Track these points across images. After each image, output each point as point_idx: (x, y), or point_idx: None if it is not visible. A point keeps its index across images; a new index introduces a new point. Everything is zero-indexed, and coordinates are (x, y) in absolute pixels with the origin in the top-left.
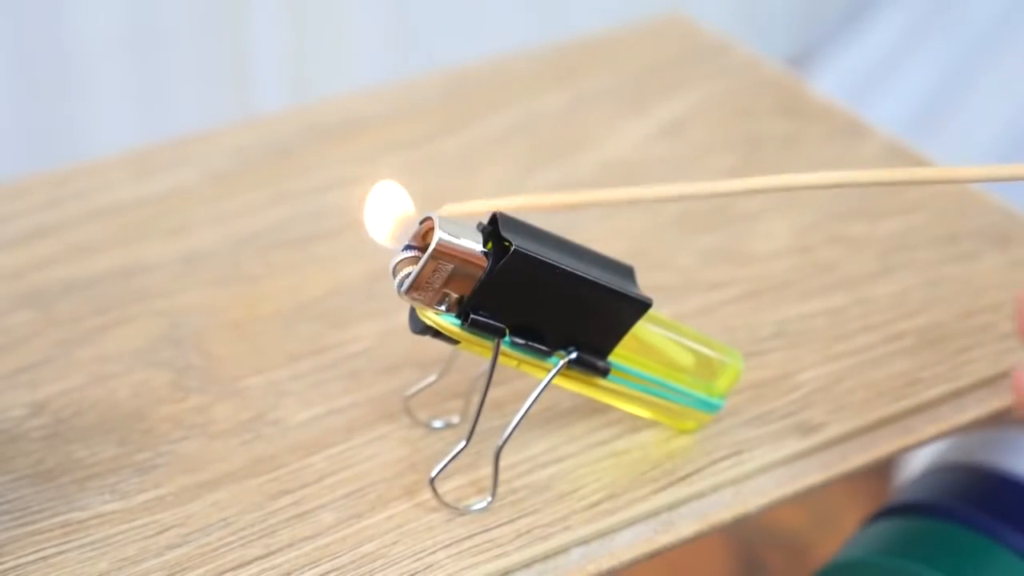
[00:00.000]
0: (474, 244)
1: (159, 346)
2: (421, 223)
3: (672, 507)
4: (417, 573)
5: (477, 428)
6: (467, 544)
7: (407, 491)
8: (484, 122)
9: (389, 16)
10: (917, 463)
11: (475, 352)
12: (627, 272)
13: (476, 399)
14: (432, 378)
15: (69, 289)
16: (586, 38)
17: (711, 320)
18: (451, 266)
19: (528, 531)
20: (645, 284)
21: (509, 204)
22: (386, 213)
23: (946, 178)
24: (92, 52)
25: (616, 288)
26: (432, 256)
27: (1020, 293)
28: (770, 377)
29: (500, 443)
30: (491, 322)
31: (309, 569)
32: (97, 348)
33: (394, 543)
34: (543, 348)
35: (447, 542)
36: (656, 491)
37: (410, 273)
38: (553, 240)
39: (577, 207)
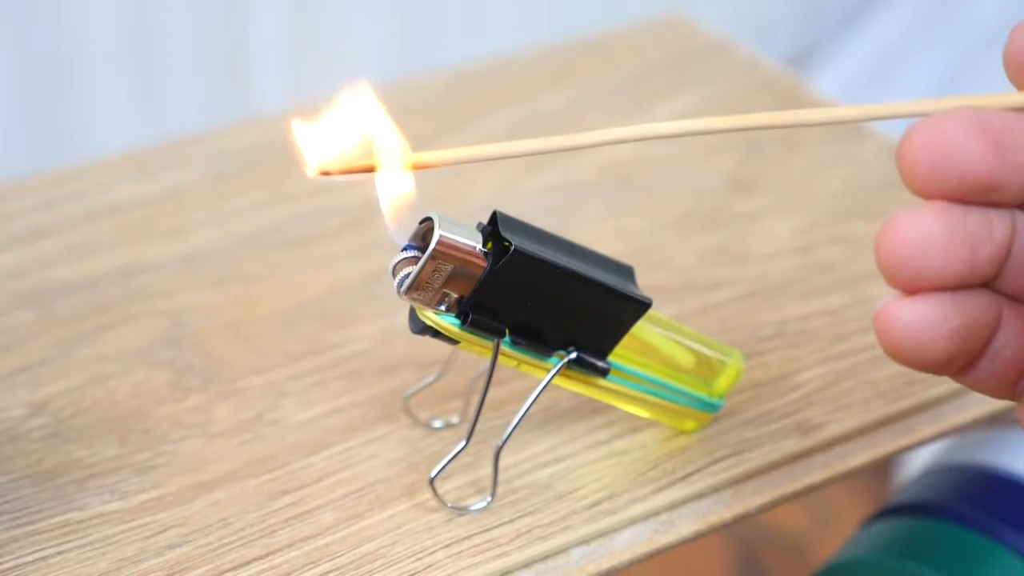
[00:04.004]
0: (474, 244)
1: (159, 346)
2: (421, 223)
3: (672, 507)
4: (417, 573)
5: (477, 428)
6: (467, 544)
7: (407, 491)
8: (484, 122)
9: (389, 16)
10: (917, 463)
11: (475, 352)
12: (627, 272)
13: (476, 399)
14: (432, 378)
15: (69, 289)
16: (586, 38)
17: (711, 320)
18: (451, 266)
19: (528, 531)
20: (645, 284)
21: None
22: (390, 195)
23: (831, 119)
24: (92, 53)
25: (616, 288)
26: (432, 256)
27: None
28: (770, 377)
29: (500, 443)
30: (491, 322)
31: (309, 569)
32: (97, 348)
33: (394, 543)
34: (543, 348)
35: (447, 542)
36: (656, 491)
37: (410, 273)
38: (553, 240)
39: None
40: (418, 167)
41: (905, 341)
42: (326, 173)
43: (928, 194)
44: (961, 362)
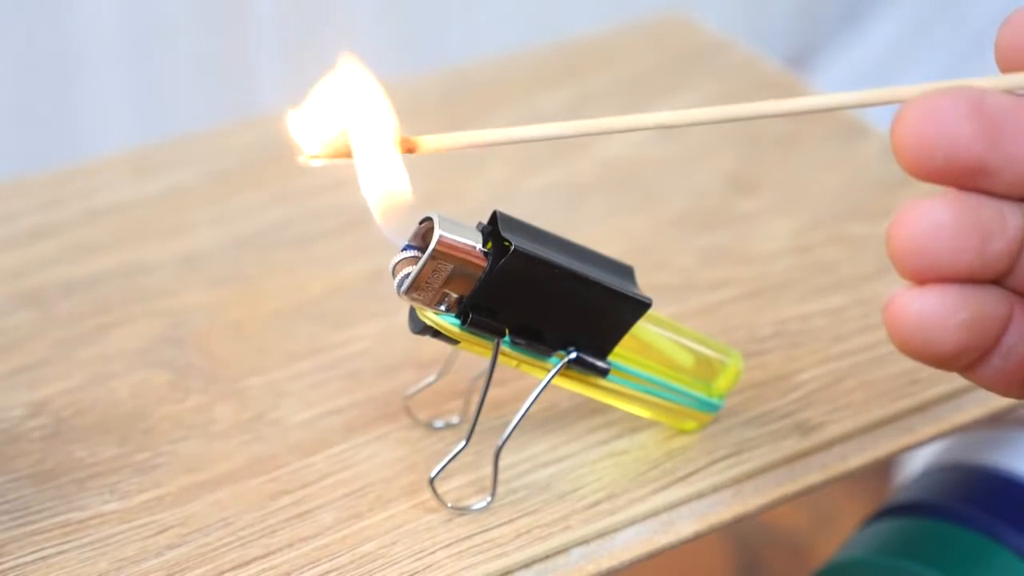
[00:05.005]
0: (474, 244)
1: (159, 346)
2: (421, 223)
3: (672, 507)
4: (417, 573)
5: (477, 428)
6: (467, 544)
7: (407, 491)
8: (484, 122)
9: (388, 16)
10: (917, 463)
11: (475, 352)
12: (627, 272)
13: (476, 399)
14: (432, 378)
15: (69, 289)
16: (586, 38)
17: (711, 320)
18: (451, 266)
19: (528, 531)
20: (645, 284)
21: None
22: (381, 191)
23: (825, 105)
24: (92, 51)
25: (616, 288)
26: (432, 256)
27: (896, 215)
28: (770, 377)
29: (500, 443)
30: (491, 322)
31: (309, 569)
32: (97, 348)
33: (394, 543)
34: (543, 348)
35: (447, 542)
36: (656, 491)
37: (409, 273)
38: (553, 240)
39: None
40: (412, 151)
41: (914, 332)
42: (319, 157)
43: (915, 172)
44: (970, 357)
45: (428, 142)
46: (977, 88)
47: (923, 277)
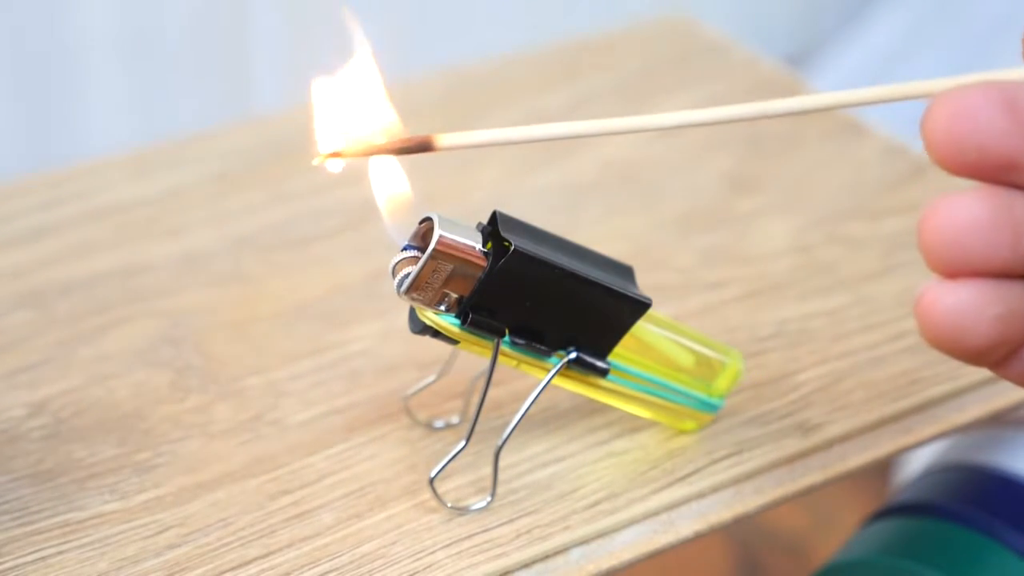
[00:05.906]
0: (474, 244)
1: (159, 346)
2: (421, 223)
3: (672, 507)
4: (416, 573)
5: (477, 428)
6: (467, 544)
7: (407, 491)
8: (484, 122)
9: (388, 16)
10: (917, 463)
11: (475, 352)
12: (627, 272)
13: (476, 399)
14: (432, 378)
15: (69, 289)
16: (586, 38)
17: (711, 320)
18: (451, 266)
19: (528, 531)
20: (645, 284)
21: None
22: (384, 190)
23: (838, 103)
24: (92, 52)
25: (616, 288)
26: (431, 256)
27: (922, 215)
28: (770, 377)
29: (500, 443)
30: (491, 322)
31: (308, 569)
32: (97, 348)
33: (393, 543)
34: (543, 348)
35: (447, 542)
36: (656, 491)
37: (410, 273)
38: (553, 240)
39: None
40: (429, 149)
41: (947, 326)
42: (337, 156)
43: (948, 165)
44: (1001, 352)
45: (446, 140)
46: (1009, 82)
47: (955, 271)
